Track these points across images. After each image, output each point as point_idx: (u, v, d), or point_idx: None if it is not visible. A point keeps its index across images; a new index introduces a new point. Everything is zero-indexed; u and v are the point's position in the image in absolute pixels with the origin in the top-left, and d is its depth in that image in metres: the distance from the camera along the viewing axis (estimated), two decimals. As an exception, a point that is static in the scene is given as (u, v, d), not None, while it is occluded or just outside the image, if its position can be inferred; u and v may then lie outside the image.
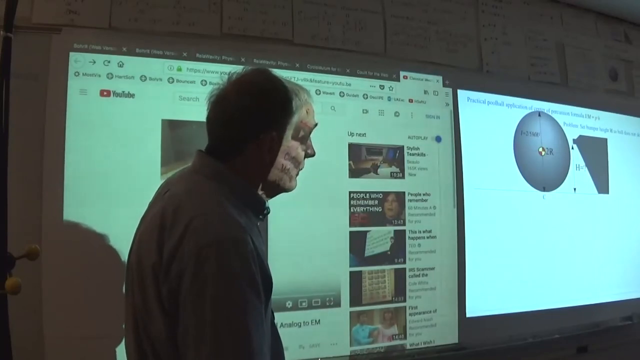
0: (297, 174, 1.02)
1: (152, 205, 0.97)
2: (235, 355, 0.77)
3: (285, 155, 0.97)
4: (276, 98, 0.95)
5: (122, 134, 1.47)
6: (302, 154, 1.01)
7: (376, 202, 1.82)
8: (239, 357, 0.77)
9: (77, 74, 1.45)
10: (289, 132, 0.97)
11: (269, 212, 1.01)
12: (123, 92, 1.50)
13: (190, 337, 0.77)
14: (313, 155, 1.04)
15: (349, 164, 1.79)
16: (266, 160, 0.95)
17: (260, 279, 0.83)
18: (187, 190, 0.90)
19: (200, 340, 0.76)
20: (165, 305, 0.81)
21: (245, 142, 0.93)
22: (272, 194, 1.02)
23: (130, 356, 0.90)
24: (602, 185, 2.36)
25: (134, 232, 0.97)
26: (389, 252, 1.83)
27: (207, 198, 0.88)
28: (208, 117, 0.96)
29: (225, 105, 0.93)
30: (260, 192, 0.98)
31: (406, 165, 1.89)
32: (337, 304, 1.72)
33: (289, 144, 0.98)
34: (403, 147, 1.89)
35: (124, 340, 0.94)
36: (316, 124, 1.04)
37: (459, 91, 2.03)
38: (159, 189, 1.00)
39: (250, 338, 0.78)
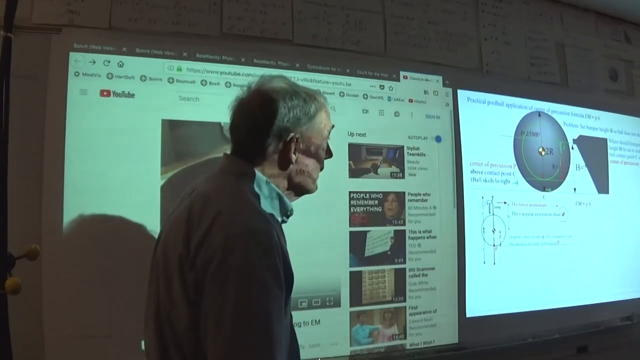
0: (318, 176, 1.08)
1: (178, 204, 1.00)
2: (254, 340, 0.78)
3: (307, 158, 1.02)
4: (298, 104, 1.00)
5: (122, 134, 1.47)
6: (323, 155, 1.07)
7: (376, 202, 1.82)
8: (258, 343, 0.79)
9: (77, 74, 1.45)
10: (311, 135, 1.02)
11: (292, 214, 1.04)
12: (123, 92, 1.50)
13: (211, 321, 0.79)
14: (331, 156, 1.11)
15: (349, 164, 1.79)
16: (291, 163, 0.99)
17: (283, 273, 0.85)
18: (215, 188, 0.94)
19: (220, 324, 0.78)
20: (190, 295, 0.83)
21: (269, 147, 0.97)
22: (296, 196, 1.06)
23: (151, 349, 0.91)
24: (602, 185, 2.36)
25: (149, 229, 1.00)
26: (389, 252, 1.83)
27: (235, 195, 0.92)
28: (232, 124, 1.01)
29: (249, 112, 0.98)
30: (285, 193, 1.02)
31: (406, 165, 1.89)
32: (337, 304, 1.72)
33: (311, 147, 1.03)
34: (403, 147, 1.89)
35: (141, 335, 0.96)
36: (332, 126, 1.10)
37: (459, 91, 2.03)
38: (184, 192, 1.04)
39: (271, 325, 0.80)
